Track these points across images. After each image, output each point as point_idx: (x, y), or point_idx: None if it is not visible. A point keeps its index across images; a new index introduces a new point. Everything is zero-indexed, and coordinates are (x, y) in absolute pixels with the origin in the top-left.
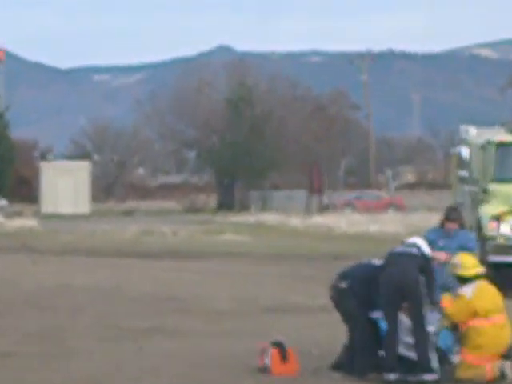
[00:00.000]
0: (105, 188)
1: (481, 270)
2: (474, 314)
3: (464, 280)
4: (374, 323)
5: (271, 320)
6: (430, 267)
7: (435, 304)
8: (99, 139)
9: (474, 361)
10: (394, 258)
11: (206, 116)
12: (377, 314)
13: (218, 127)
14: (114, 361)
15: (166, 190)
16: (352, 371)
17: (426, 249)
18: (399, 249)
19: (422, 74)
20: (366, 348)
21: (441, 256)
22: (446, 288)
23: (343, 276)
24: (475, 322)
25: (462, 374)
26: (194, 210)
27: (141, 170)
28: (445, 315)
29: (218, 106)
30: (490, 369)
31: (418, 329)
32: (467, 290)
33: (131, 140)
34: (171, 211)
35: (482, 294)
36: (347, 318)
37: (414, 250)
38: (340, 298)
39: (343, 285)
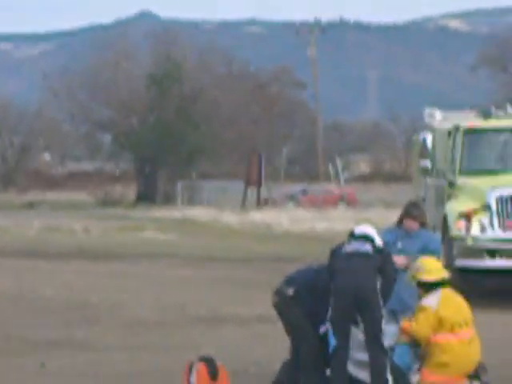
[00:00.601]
0: (3, 176)
1: (446, 274)
2: (440, 328)
3: (426, 287)
4: (321, 338)
5: (200, 332)
6: (389, 264)
7: (392, 313)
8: None
9: (436, 381)
10: (344, 262)
11: (124, 94)
12: (323, 329)
13: (138, 107)
14: (10, 380)
15: (77, 180)
16: None
17: (379, 242)
18: (349, 248)
19: (379, 49)
20: (313, 366)
21: (399, 260)
22: (404, 304)
23: (290, 281)
24: (440, 338)
25: None
26: (109, 202)
27: (47, 156)
28: (405, 334)
29: (139, 82)
30: None
31: (373, 344)
32: (431, 301)
33: (36, 120)
34: (82, 204)
35: (448, 304)
36: (292, 329)
37: (367, 248)
38: (285, 306)
39: (290, 291)
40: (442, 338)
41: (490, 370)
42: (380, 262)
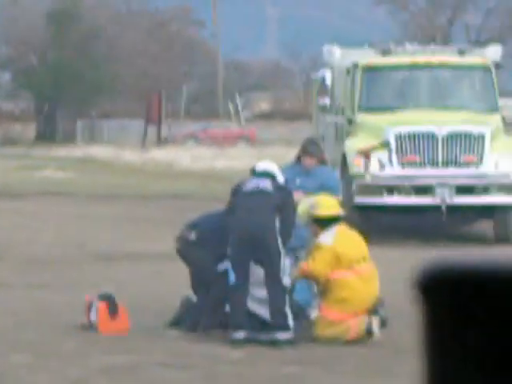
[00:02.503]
0: None
1: (340, 210)
2: (337, 264)
3: (322, 223)
4: (223, 277)
5: (100, 269)
6: (288, 202)
7: (291, 250)
8: None
9: (335, 317)
10: (243, 200)
11: (23, 32)
12: (224, 266)
13: (37, 45)
14: None
15: None
16: (193, 329)
17: (280, 177)
18: (248, 186)
19: None
20: (215, 304)
21: (297, 196)
22: (303, 241)
23: (192, 226)
24: (337, 274)
25: (320, 331)
26: (8, 142)
27: None
28: (303, 275)
29: (38, 20)
30: (355, 325)
31: (272, 281)
32: (326, 238)
33: None
34: None
35: (344, 240)
36: (198, 272)
37: (267, 185)
38: (188, 251)
39: (192, 236)
40: (340, 274)
41: (387, 304)
42: (280, 199)
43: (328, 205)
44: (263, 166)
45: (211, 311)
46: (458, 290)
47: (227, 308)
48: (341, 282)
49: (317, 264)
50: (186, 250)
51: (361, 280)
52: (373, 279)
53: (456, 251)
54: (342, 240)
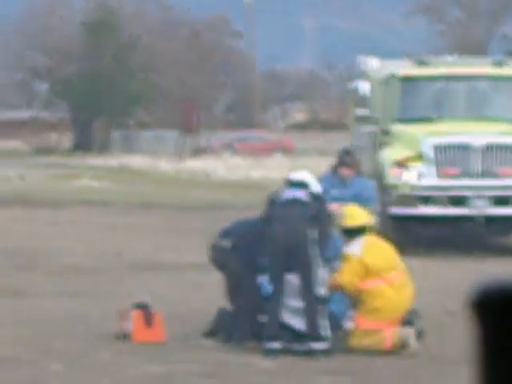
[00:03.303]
0: None
1: (369, 220)
2: (367, 274)
3: (350, 233)
4: (258, 288)
5: (136, 279)
6: (324, 212)
7: (327, 260)
8: None
9: (370, 326)
10: (279, 210)
11: (60, 42)
12: (261, 279)
13: (74, 55)
14: None
15: (12, 128)
16: (228, 339)
17: (316, 187)
18: (284, 196)
19: None
20: (249, 314)
21: (334, 208)
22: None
23: (225, 234)
24: (368, 284)
25: (356, 341)
26: (44, 151)
27: None
28: (334, 288)
29: (75, 30)
30: (390, 336)
31: (307, 292)
32: (354, 248)
33: None
34: (18, 153)
35: (372, 249)
36: (232, 280)
37: (303, 196)
38: (223, 259)
39: (226, 243)
40: (371, 283)
41: (423, 316)
42: (315, 209)
43: (355, 215)
44: (299, 176)
45: (245, 321)
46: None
47: (261, 318)
48: (373, 292)
49: (345, 276)
50: (221, 258)
51: (392, 288)
52: (404, 287)
53: (493, 263)
54: (370, 250)
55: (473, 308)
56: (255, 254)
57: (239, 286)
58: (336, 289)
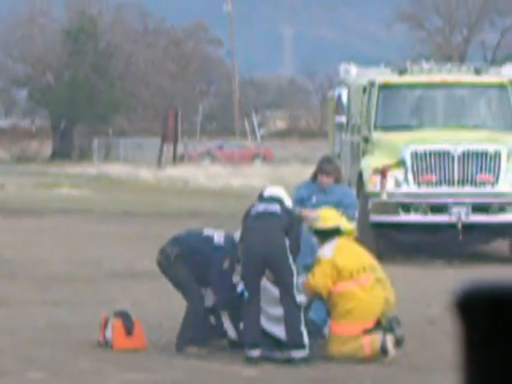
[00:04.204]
0: None
1: (342, 223)
2: (338, 276)
3: (322, 235)
4: (199, 297)
5: (115, 287)
6: (295, 224)
7: (305, 268)
8: None
9: (344, 331)
10: (254, 222)
11: (39, 50)
12: (240, 287)
13: (54, 63)
14: None
15: None
16: (204, 344)
17: (288, 202)
18: (258, 208)
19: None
20: (193, 317)
21: (313, 215)
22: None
23: (175, 241)
24: (340, 287)
25: (334, 349)
26: (24, 159)
27: None
28: (309, 289)
29: (55, 38)
30: (368, 343)
31: (286, 299)
32: (326, 251)
33: None
34: None
35: (344, 251)
36: (176, 287)
37: (276, 208)
38: (168, 265)
39: (173, 251)
40: (342, 286)
41: (403, 323)
42: (287, 221)
43: (328, 217)
44: (271, 191)
45: (188, 328)
46: (495, 309)
47: (209, 322)
48: (344, 294)
49: (317, 278)
50: (165, 264)
51: (363, 290)
52: (375, 289)
53: (473, 270)
54: (342, 252)
55: (456, 310)
56: (199, 267)
57: (184, 294)
58: (309, 291)
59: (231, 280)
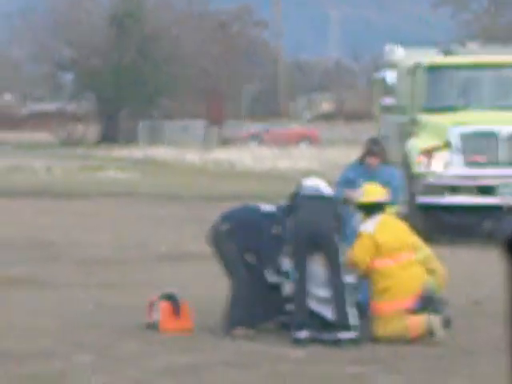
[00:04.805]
0: None
1: (384, 197)
2: (378, 252)
3: (366, 210)
4: (253, 272)
5: (162, 270)
6: (341, 210)
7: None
8: None
9: (383, 309)
10: (303, 202)
11: (86, 34)
12: (286, 266)
13: (100, 47)
14: None
15: (39, 120)
16: (252, 326)
17: (328, 192)
18: (307, 190)
19: None
20: (243, 302)
21: (357, 194)
22: None
23: (225, 217)
24: (377, 263)
25: (379, 330)
26: (71, 142)
27: (8, 97)
28: (349, 264)
29: (101, 22)
30: (415, 324)
31: (334, 280)
32: (368, 226)
33: None
34: (44, 144)
35: (386, 228)
36: (224, 264)
37: (324, 192)
38: (219, 242)
39: (224, 227)
40: (380, 263)
41: (450, 304)
42: (334, 205)
43: (372, 192)
44: (312, 182)
45: (237, 310)
46: None
47: (288, 307)
48: (381, 271)
49: (356, 252)
50: (216, 241)
51: (400, 268)
52: (413, 266)
53: None
54: (383, 228)
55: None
56: (250, 238)
57: (231, 272)
58: (349, 265)
59: (281, 246)
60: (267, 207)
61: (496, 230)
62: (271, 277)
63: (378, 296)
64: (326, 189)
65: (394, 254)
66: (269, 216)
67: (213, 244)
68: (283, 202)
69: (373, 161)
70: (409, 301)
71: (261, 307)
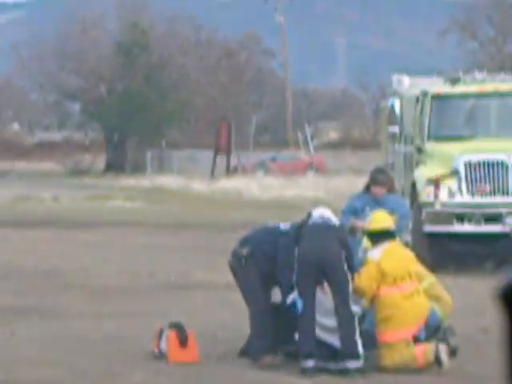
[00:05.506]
0: None
1: (391, 225)
2: (383, 280)
3: (373, 238)
4: (289, 307)
5: (169, 298)
6: (347, 239)
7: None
8: None
9: (388, 338)
10: (311, 231)
11: (92, 62)
12: (291, 298)
13: (106, 75)
14: None
15: (46, 149)
16: (242, 353)
17: (337, 222)
18: (316, 220)
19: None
20: (263, 326)
21: (365, 224)
22: None
23: (245, 241)
24: (382, 291)
25: (386, 359)
26: (78, 172)
27: (15, 126)
28: (356, 291)
29: (108, 50)
30: (422, 353)
31: (342, 309)
32: (374, 253)
33: (4, 90)
34: (51, 174)
35: (391, 256)
36: (243, 290)
37: (332, 222)
38: (240, 267)
39: (244, 251)
40: (384, 291)
41: (456, 333)
42: (343, 235)
43: (380, 219)
44: (320, 210)
45: (262, 335)
46: None
47: (295, 336)
48: (384, 299)
49: (362, 279)
50: (237, 266)
51: (403, 297)
52: (416, 296)
53: None
54: (389, 256)
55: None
56: (272, 261)
57: (250, 298)
58: (355, 293)
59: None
60: (283, 226)
61: (500, 268)
62: (288, 298)
63: (382, 324)
64: (332, 218)
65: (398, 283)
66: (285, 234)
67: (234, 269)
68: (297, 223)
69: (379, 190)
70: (413, 330)
71: (283, 330)
